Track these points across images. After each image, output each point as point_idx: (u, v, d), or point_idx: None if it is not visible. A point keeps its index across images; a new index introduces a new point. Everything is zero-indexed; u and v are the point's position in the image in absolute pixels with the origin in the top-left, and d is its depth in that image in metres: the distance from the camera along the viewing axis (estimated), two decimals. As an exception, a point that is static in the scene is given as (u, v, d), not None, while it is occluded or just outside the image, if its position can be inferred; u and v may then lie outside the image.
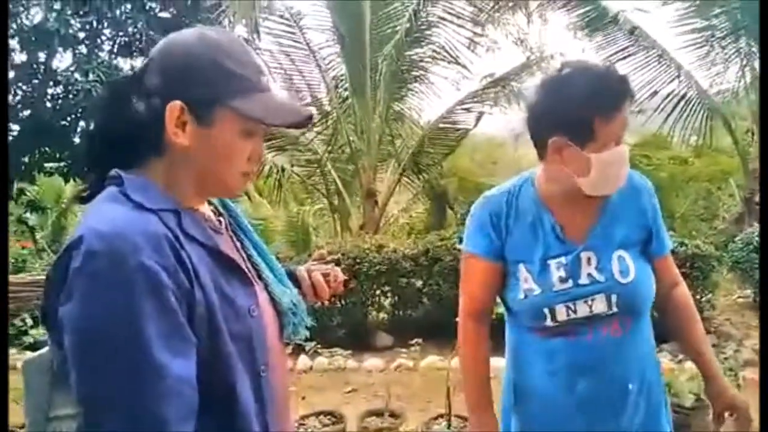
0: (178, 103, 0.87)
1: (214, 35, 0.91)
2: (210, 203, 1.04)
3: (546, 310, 1.34)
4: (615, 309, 1.33)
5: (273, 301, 1.02)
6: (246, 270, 0.96)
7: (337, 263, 1.27)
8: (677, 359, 4.76)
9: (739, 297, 6.63)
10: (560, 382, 1.37)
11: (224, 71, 0.88)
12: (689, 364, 4.48)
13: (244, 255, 1.02)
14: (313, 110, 8.79)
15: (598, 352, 1.34)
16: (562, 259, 1.34)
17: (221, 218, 1.03)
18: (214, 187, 0.97)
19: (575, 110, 1.26)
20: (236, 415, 0.87)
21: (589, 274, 1.34)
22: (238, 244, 1.03)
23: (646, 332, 1.43)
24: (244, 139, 0.92)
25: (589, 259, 1.34)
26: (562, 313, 1.33)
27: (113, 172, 0.89)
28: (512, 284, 1.39)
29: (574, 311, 1.33)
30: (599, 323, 1.34)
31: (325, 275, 1.19)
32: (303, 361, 4.93)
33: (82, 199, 0.94)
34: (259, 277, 1.02)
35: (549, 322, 1.34)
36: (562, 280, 1.33)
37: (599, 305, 1.33)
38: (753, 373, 4.19)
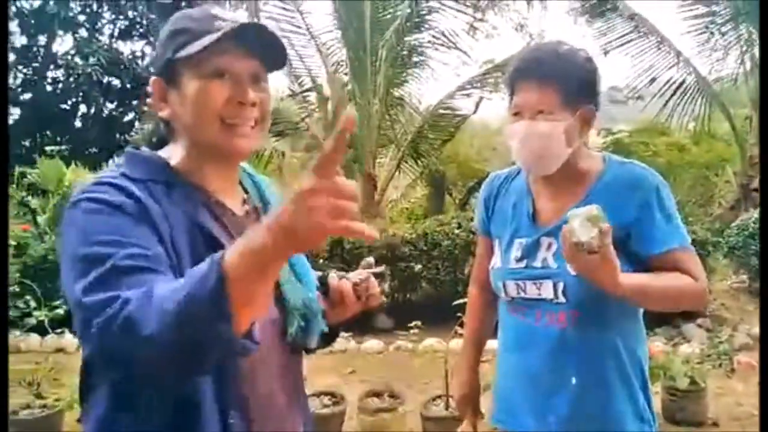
0: (155, 78, 0.93)
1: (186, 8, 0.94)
2: (245, 191, 1.03)
3: (500, 284, 1.42)
4: (562, 299, 1.32)
5: (282, 300, 0.96)
6: None
7: (381, 275, 1.09)
8: (672, 342, 4.84)
9: (734, 282, 6.70)
10: (513, 358, 1.45)
11: (176, 32, 0.92)
12: (684, 348, 4.57)
13: None
14: (313, 96, 8.84)
15: (540, 338, 1.37)
16: (524, 240, 1.39)
17: (246, 205, 1.00)
18: (205, 148, 0.92)
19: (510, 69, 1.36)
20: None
21: (544, 259, 1.35)
22: None
23: (601, 333, 1.34)
24: (208, 81, 0.89)
25: (549, 245, 1.35)
26: (512, 290, 1.40)
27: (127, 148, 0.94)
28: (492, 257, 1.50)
29: (524, 290, 1.38)
30: (547, 311, 1.35)
31: (356, 285, 1.04)
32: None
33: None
34: None
35: (503, 296, 1.43)
36: (518, 260, 1.39)
37: (546, 290, 1.34)
38: (746, 357, 4.27)
